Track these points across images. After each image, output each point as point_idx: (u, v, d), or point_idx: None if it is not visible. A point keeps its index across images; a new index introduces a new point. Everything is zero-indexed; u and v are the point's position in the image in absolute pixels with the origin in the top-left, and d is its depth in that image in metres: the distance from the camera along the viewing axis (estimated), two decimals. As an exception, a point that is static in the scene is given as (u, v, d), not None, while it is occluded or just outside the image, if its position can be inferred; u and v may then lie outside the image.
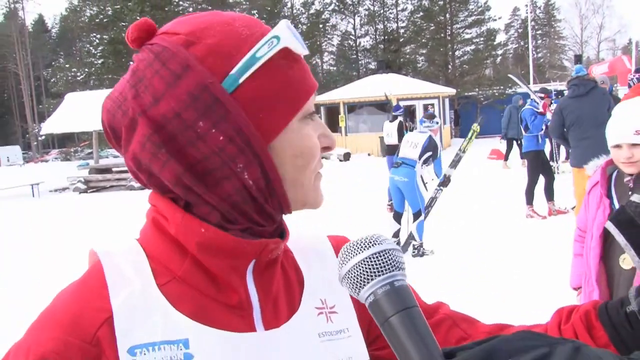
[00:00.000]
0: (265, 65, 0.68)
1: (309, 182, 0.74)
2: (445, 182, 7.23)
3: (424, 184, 7.08)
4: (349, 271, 0.54)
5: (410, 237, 7.03)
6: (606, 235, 2.40)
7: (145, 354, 0.64)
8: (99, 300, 0.66)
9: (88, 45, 31.06)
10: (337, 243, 0.87)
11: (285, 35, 0.69)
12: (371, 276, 0.53)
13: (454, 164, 7.24)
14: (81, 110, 17.75)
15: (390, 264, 0.53)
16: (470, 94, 32.66)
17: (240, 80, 0.67)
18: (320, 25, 38.47)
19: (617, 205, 2.39)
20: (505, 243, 7.12)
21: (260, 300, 0.73)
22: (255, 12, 34.08)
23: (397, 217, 7.23)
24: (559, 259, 3.26)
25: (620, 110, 2.46)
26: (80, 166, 20.93)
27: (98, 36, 29.21)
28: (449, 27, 37.54)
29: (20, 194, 17.12)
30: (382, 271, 0.53)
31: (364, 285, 0.53)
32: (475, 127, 7.72)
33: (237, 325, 0.70)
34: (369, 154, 22.94)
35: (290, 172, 0.71)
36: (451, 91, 26.55)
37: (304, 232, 0.88)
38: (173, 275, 0.70)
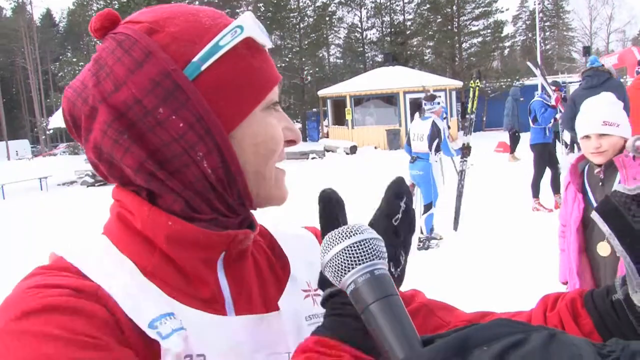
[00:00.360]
0: (228, 54, 0.69)
1: (270, 175, 0.74)
2: (466, 151, 7.28)
3: (458, 172, 7.11)
4: (330, 259, 0.55)
5: (427, 237, 7.06)
6: (584, 228, 2.47)
7: (164, 323, 0.64)
8: (99, 292, 0.64)
9: (95, 39, 31.09)
10: (315, 231, 0.90)
11: (249, 25, 0.70)
12: (352, 264, 0.54)
13: (468, 129, 7.35)
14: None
15: (371, 252, 0.54)
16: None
17: (202, 68, 0.67)
18: (327, 18, 38.31)
19: (591, 198, 2.47)
20: (511, 236, 7.12)
21: (232, 291, 0.74)
22: (261, 5, 34.03)
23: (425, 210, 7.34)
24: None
25: (587, 104, 2.57)
26: (87, 160, 21.00)
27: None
28: (456, 19, 37.29)
29: (29, 188, 17.24)
30: (362, 260, 0.54)
31: (345, 273, 0.54)
32: (473, 84, 7.73)
33: (212, 313, 0.70)
34: (375, 147, 22.90)
35: (251, 163, 0.71)
36: (458, 84, 26.43)
37: (281, 224, 0.91)
38: (144, 270, 0.69)
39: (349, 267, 0.54)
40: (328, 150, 22.07)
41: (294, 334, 0.74)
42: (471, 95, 7.61)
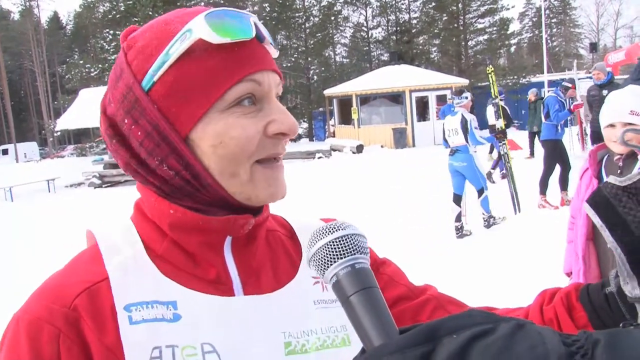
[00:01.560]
0: (181, 60, 0.70)
1: (244, 173, 0.73)
2: (500, 134, 7.53)
3: (502, 155, 7.51)
4: (315, 253, 0.57)
5: (490, 217, 7.50)
6: None
7: (140, 310, 0.70)
8: (93, 268, 0.73)
9: (102, 42, 31.22)
10: (329, 222, 0.91)
11: (198, 27, 0.70)
12: (334, 258, 0.56)
13: (497, 113, 7.61)
14: (95, 106, 17.79)
15: (353, 247, 0.57)
16: (483, 84, 32.39)
17: (155, 79, 0.71)
18: (332, 18, 38.31)
19: None
20: (516, 233, 7.10)
21: (240, 274, 0.77)
22: (266, 5, 34.06)
23: (457, 200, 7.53)
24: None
25: (614, 95, 2.58)
26: (95, 161, 21.11)
27: (111, 32, 29.36)
28: (462, 17, 37.19)
29: (37, 190, 17.35)
30: (344, 254, 0.56)
31: (329, 266, 0.56)
32: (489, 69, 7.99)
33: (218, 295, 0.74)
34: (382, 146, 22.90)
35: (213, 162, 0.73)
36: (464, 82, 26.35)
37: (300, 216, 0.94)
38: (156, 253, 0.76)
39: (331, 261, 0.56)
40: (334, 150, 22.07)
41: (297, 316, 0.77)
42: (490, 80, 7.78)
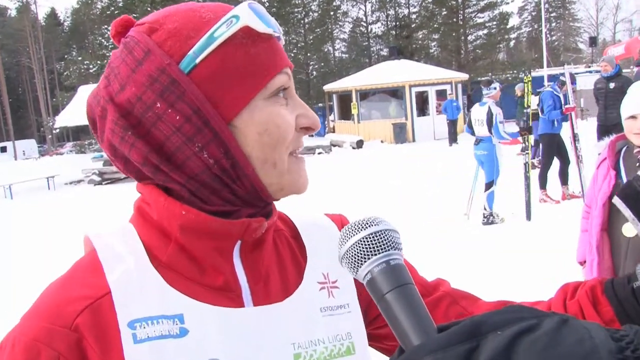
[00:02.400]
0: (225, 44, 0.68)
1: (282, 163, 0.72)
2: (525, 131, 7.74)
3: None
4: (347, 251, 0.56)
5: (491, 214, 7.54)
6: (610, 206, 2.46)
7: (144, 327, 0.66)
8: (94, 280, 0.68)
9: (100, 38, 31.18)
10: (335, 219, 0.90)
11: (245, 14, 0.69)
12: (368, 255, 0.54)
13: (526, 122, 7.93)
14: (94, 103, 17.91)
15: (387, 243, 0.55)
16: (483, 78, 32.41)
17: (197, 60, 0.68)
18: (332, 13, 38.27)
19: (624, 178, 2.45)
20: (516, 227, 7.09)
21: (249, 280, 0.74)
22: (265, 0, 33.99)
23: (489, 186, 7.65)
24: (572, 243, 3.27)
25: (636, 86, 2.55)
26: (94, 158, 21.11)
27: (109, 28, 29.35)
28: (461, 12, 37.14)
29: (36, 187, 17.34)
30: (378, 250, 0.54)
31: (362, 264, 0.54)
32: (526, 78, 8.15)
33: (227, 305, 0.71)
34: (381, 141, 22.89)
35: (257, 151, 0.70)
36: (464, 76, 26.34)
37: (303, 212, 0.90)
38: (159, 262, 0.71)
39: (365, 258, 0.55)
40: (334, 145, 22.06)
41: (304, 325, 0.74)
42: (526, 90, 7.94)
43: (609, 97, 8.38)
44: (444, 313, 0.85)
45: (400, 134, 22.65)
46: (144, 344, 0.65)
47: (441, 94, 23.81)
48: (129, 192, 15.09)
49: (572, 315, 0.74)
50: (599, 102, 8.43)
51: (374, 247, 0.55)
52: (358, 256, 0.55)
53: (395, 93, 24.27)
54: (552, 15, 51.42)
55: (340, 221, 0.89)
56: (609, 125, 7.96)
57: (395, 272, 0.53)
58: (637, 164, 2.49)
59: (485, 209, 7.56)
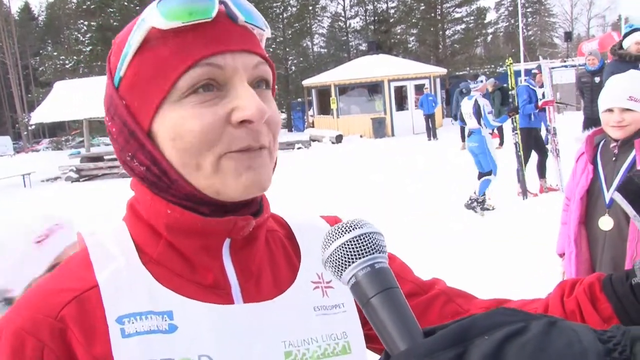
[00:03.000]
0: (140, 51, 0.68)
1: (207, 166, 0.67)
2: (513, 112, 7.97)
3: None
4: (331, 254, 0.54)
5: (478, 201, 7.82)
6: (588, 199, 2.52)
7: (133, 322, 0.66)
8: (83, 275, 0.69)
9: (76, 33, 30.70)
10: (330, 220, 0.89)
11: (150, 14, 0.66)
12: (352, 259, 0.53)
13: (512, 103, 8.16)
14: (71, 99, 17.64)
15: (371, 246, 0.54)
16: (461, 73, 32.61)
17: (121, 73, 0.69)
18: (310, 8, 38.15)
19: (600, 172, 2.51)
20: (497, 220, 7.17)
21: (239, 278, 0.74)
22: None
23: (482, 176, 7.97)
24: (551, 235, 3.33)
25: (613, 79, 2.60)
26: (71, 155, 20.80)
27: (86, 23, 28.88)
28: (439, 7, 37.30)
29: (12, 185, 17.06)
30: (362, 254, 0.53)
31: (346, 267, 0.53)
32: (508, 61, 8.40)
33: (216, 302, 0.71)
34: (361, 136, 22.92)
35: (175, 156, 0.68)
36: (442, 71, 26.48)
37: (298, 213, 0.90)
38: (150, 258, 0.72)
39: (349, 262, 0.53)
40: (314, 140, 22.03)
41: (296, 323, 0.74)
42: (509, 72, 8.21)
43: (594, 91, 8.47)
44: (440, 311, 0.84)
45: (380, 129, 22.71)
46: (133, 338, 0.65)
47: (419, 89, 23.91)
48: (106, 189, 14.94)
49: (570, 312, 0.75)
50: (584, 96, 8.52)
51: (358, 251, 0.53)
52: (342, 260, 0.54)
53: (375, 88, 24.32)
54: (528, 10, 51.80)
55: (335, 222, 0.88)
56: (596, 118, 8.07)
57: (380, 276, 0.52)
58: (613, 158, 2.55)
59: (475, 192, 7.80)
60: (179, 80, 0.66)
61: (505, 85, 15.40)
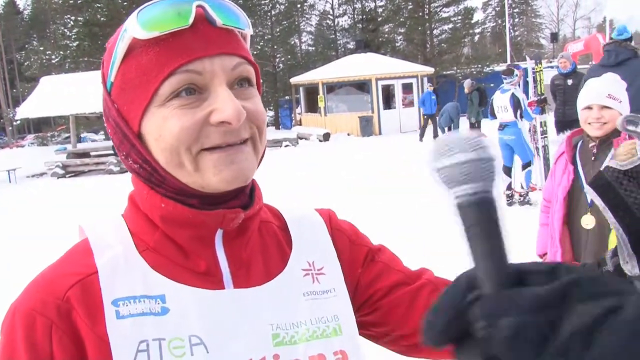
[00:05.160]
0: (126, 59, 0.73)
1: (189, 163, 0.72)
2: (543, 102, 7.94)
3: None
4: (453, 165, 0.52)
5: (527, 192, 8.04)
6: (570, 199, 2.60)
7: (127, 305, 0.72)
8: (85, 261, 0.75)
9: (62, 28, 30.42)
10: (323, 213, 0.94)
11: (130, 25, 0.71)
12: (474, 179, 0.51)
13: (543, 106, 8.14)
14: (57, 94, 17.51)
15: (491, 174, 0.52)
16: (448, 72, 32.76)
17: (112, 79, 0.76)
18: (298, 5, 38.14)
19: (581, 171, 2.60)
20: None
21: (230, 265, 0.78)
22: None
23: (507, 171, 8.13)
24: (528, 234, 3.41)
25: (592, 81, 2.70)
26: (57, 151, 20.66)
27: (73, 18, 28.61)
28: (427, 6, 37.41)
29: (-3, 180, 16.91)
30: (482, 178, 0.52)
31: (463, 184, 0.51)
32: (537, 67, 8.36)
33: (207, 287, 0.76)
34: (348, 134, 22.99)
35: (161, 155, 0.74)
36: (429, 70, 26.60)
37: (294, 206, 0.95)
38: (147, 245, 0.78)
39: (469, 180, 0.51)
40: (301, 138, 22.04)
41: (284, 307, 0.78)
42: (538, 79, 8.19)
43: (567, 93, 8.61)
44: (426, 300, 0.88)
45: (367, 127, 22.79)
46: (127, 320, 0.71)
47: (407, 87, 24.03)
48: (93, 185, 14.86)
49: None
50: (556, 99, 8.65)
51: (478, 173, 0.51)
52: (463, 175, 0.51)
53: (362, 86, 24.39)
54: (515, 10, 52.20)
55: (328, 215, 0.94)
56: (567, 120, 8.19)
57: (487, 206, 0.51)
58: (592, 158, 2.63)
59: (522, 187, 7.98)
60: (160, 87, 0.71)
61: (482, 85, 15.58)
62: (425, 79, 24.91)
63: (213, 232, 0.77)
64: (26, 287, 0.74)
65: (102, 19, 26.85)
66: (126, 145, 0.76)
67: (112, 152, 16.86)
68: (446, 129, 16.35)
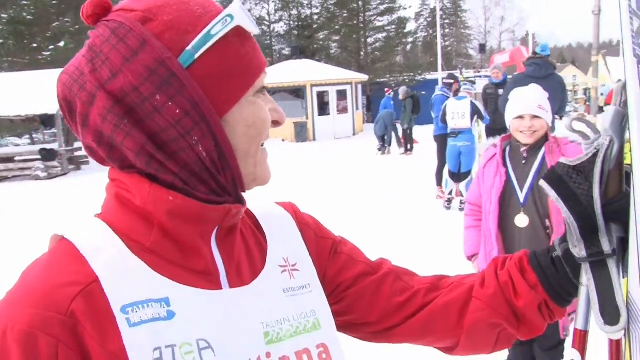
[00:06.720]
0: (219, 42, 0.72)
1: (257, 154, 0.78)
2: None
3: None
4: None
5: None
6: (502, 201, 2.76)
7: (136, 311, 0.67)
8: (79, 268, 0.68)
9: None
10: (287, 207, 0.97)
11: (238, 14, 0.73)
12: None
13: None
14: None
15: None
16: (381, 80, 33.45)
17: (196, 56, 0.71)
18: (234, 10, 37.86)
19: (512, 174, 2.76)
20: (420, 224, 7.46)
21: (225, 264, 0.78)
22: None
23: (454, 177, 8.42)
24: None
25: (521, 91, 2.89)
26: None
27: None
28: (362, 15, 38.12)
29: None
30: None
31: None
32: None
33: (207, 287, 0.75)
34: (283, 140, 23.03)
35: (242, 143, 0.76)
36: (363, 77, 27.05)
37: (257, 202, 0.95)
38: (142, 246, 0.73)
39: None
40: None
41: (270, 305, 0.79)
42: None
43: (498, 102, 8.99)
44: (390, 288, 0.94)
45: (301, 133, 22.91)
46: (139, 327, 0.67)
47: (342, 94, 24.32)
48: (18, 192, 14.18)
49: (503, 283, 0.90)
50: (487, 107, 9.01)
51: None
52: None
53: (297, 92, 24.50)
54: (445, 22, 53.85)
55: (293, 210, 0.97)
56: (498, 128, 8.57)
57: None
58: (523, 162, 2.80)
59: (462, 195, 8.25)
60: (258, 80, 0.77)
61: (416, 93, 16.03)
62: (359, 86, 25.31)
63: (212, 229, 0.76)
64: (9, 303, 0.66)
65: (28, 17, 25.76)
66: (202, 130, 0.71)
67: (38, 157, 16.22)
68: (382, 136, 16.64)
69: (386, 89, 20.90)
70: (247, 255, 0.83)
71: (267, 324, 0.77)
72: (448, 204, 8.42)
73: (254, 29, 0.76)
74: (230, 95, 0.73)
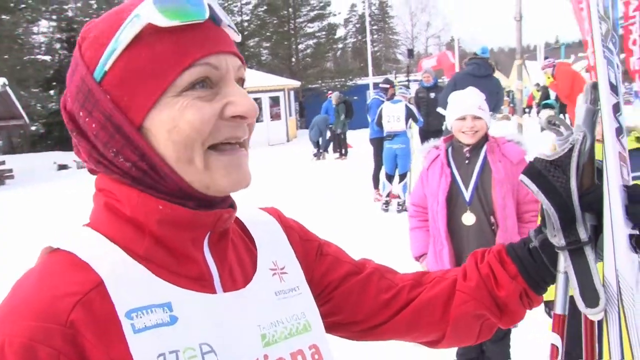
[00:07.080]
0: (131, 46, 0.69)
1: (199, 160, 0.71)
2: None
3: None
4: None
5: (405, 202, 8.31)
6: (449, 200, 2.85)
7: (140, 317, 0.67)
8: (81, 275, 0.68)
9: None
10: (271, 212, 0.97)
11: (147, 11, 0.68)
12: None
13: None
14: None
15: None
16: (313, 85, 33.69)
17: (106, 68, 0.70)
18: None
19: (456, 173, 2.86)
20: (360, 226, 7.56)
21: (218, 268, 0.78)
22: (93, 2, 32.04)
23: (390, 179, 8.60)
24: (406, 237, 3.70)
25: (459, 94, 2.99)
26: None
27: None
28: (292, 21, 38.30)
29: None
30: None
31: None
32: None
33: (202, 292, 0.74)
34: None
35: (169, 150, 0.70)
36: (296, 83, 27.15)
37: (243, 208, 0.93)
38: (136, 254, 0.72)
39: None
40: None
41: (265, 308, 0.80)
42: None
43: (430, 105, 9.26)
44: (376, 286, 0.97)
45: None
46: (144, 333, 0.66)
47: (275, 101, 24.32)
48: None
49: (485, 275, 0.94)
50: (420, 110, 9.26)
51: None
52: None
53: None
54: (374, 27, 54.91)
55: (277, 214, 0.97)
56: (431, 131, 8.83)
57: None
58: (466, 162, 2.90)
59: (399, 197, 8.53)
60: (178, 77, 0.69)
61: (348, 98, 16.30)
62: (292, 92, 25.38)
63: (204, 235, 0.76)
64: (4, 317, 0.64)
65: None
66: (119, 141, 0.70)
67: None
68: (317, 142, 16.75)
69: (328, 92, 21.09)
70: (238, 260, 0.83)
71: (263, 326, 0.78)
72: (386, 206, 8.57)
73: (167, 22, 0.68)
74: (143, 100, 0.69)
